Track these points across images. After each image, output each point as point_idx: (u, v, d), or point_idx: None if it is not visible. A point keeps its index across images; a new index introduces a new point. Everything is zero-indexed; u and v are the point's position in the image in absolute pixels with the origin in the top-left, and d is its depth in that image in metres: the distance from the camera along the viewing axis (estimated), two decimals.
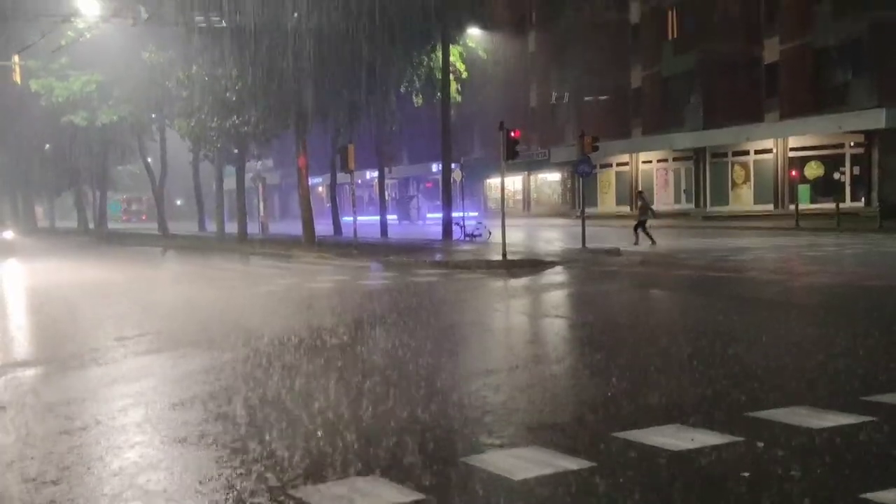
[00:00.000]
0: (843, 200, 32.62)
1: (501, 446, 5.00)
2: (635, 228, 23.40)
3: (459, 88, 31.80)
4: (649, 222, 23.57)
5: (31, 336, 10.63)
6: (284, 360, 7.92)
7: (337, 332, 9.44)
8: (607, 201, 46.10)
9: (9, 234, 32.43)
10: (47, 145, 46.23)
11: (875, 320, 9.37)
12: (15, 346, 9.67)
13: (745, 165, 38.83)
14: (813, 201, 34.85)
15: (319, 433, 5.35)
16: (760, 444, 4.85)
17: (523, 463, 4.65)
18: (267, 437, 5.29)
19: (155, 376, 7.44)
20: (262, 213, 41.27)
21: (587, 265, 18.03)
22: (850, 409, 5.49)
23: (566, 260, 19.29)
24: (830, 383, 6.44)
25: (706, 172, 40.06)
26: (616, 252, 20.52)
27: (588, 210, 27.29)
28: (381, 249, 23.80)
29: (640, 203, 24.27)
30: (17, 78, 27.84)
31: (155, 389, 6.87)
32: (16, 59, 26.84)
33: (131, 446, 5.23)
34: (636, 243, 22.61)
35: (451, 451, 4.97)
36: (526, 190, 53.88)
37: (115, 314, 12.00)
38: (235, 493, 4.34)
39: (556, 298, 13.14)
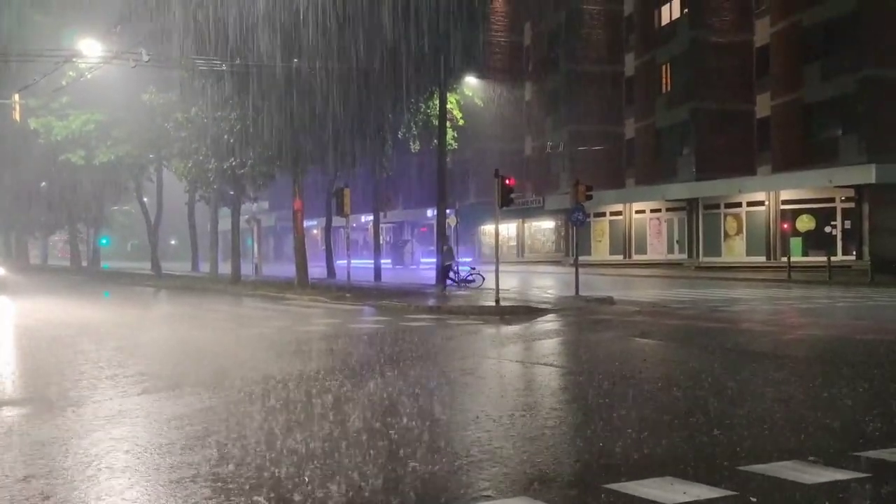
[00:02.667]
0: (835, 254, 32.84)
1: (491, 497, 4.95)
2: (445, 273, 26.61)
3: (456, 135, 32.14)
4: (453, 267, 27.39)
5: (20, 375, 10.52)
6: (273, 404, 7.87)
7: (327, 378, 9.39)
8: (601, 250, 46.31)
9: (0, 272, 32.28)
10: (43, 183, 46.33)
11: (867, 374, 9.37)
12: (2, 385, 9.57)
13: (737, 217, 39.14)
14: (805, 254, 35.08)
15: (306, 479, 5.29)
16: (754, 500, 4.82)
17: None
18: (252, 484, 5.23)
19: (145, 417, 7.37)
20: (256, 255, 41.26)
21: (580, 313, 18.03)
22: (841, 465, 5.48)
23: (559, 307, 19.30)
24: (822, 438, 6.42)
25: (699, 223, 40.34)
26: (609, 301, 20.55)
27: (581, 258, 27.38)
28: (374, 293, 23.77)
29: (444, 248, 27.22)
30: (17, 116, 27.98)
31: (145, 431, 6.80)
32: (16, 97, 26.98)
33: (118, 490, 5.16)
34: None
35: (440, 502, 4.91)
36: (520, 237, 54.14)
37: (106, 353, 11.91)
38: None
39: (549, 347, 13.11)
